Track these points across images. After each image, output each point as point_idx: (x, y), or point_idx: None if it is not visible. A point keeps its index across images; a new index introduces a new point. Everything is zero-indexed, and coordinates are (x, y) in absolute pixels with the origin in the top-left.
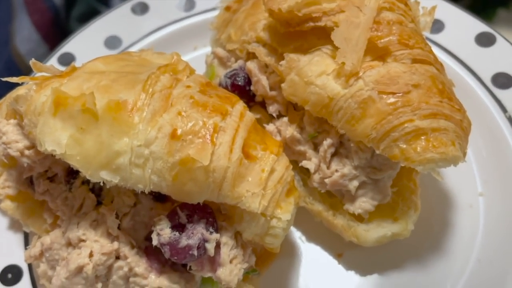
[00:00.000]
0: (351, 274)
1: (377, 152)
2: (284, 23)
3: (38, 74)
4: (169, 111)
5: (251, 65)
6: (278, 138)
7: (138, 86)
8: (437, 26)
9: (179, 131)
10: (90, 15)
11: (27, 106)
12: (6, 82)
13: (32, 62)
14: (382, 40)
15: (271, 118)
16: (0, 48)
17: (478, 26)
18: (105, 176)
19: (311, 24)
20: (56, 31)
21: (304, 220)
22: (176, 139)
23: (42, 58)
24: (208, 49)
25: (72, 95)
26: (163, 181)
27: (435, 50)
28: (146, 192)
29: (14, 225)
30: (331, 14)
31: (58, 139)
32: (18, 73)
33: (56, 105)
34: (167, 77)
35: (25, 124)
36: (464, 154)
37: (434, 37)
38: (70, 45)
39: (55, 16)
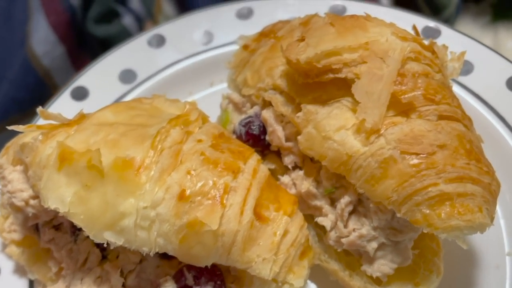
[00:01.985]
0: None
1: (398, 215)
2: (302, 74)
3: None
4: (178, 170)
5: (267, 114)
6: (293, 191)
7: (146, 142)
8: (466, 67)
9: (187, 192)
10: (107, 15)
11: (33, 157)
12: (23, 84)
13: (40, 110)
14: (406, 95)
15: (286, 169)
16: (15, 49)
17: (509, 69)
18: (109, 238)
19: (331, 75)
20: (72, 32)
21: (319, 275)
22: (184, 200)
23: (59, 59)
24: (224, 85)
25: (78, 150)
26: (170, 244)
27: (463, 93)
28: (151, 254)
29: (19, 271)
30: (353, 65)
31: (62, 196)
32: (34, 76)
33: (61, 160)
34: (178, 131)
35: (30, 175)
36: (492, 219)
37: (462, 79)
38: (84, 79)
39: (72, 17)
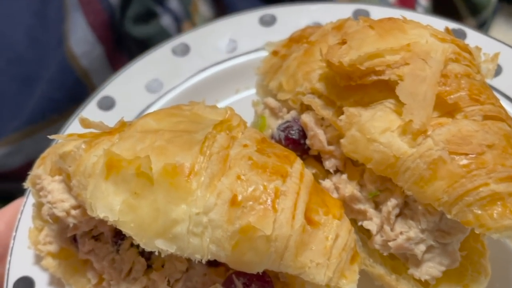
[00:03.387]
0: None
1: (449, 216)
2: (344, 76)
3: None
4: (228, 175)
5: (307, 118)
6: (336, 195)
7: (195, 148)
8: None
9: (239, 197)
10: (145, 15)
11: (76, 166)
12: (61, 84)
13: (80, 118)
14: (452, 96)
15: (327, 173)
16: (52, 48)
17: None
18: (161, 245)
19: (374, 77)
20: (111, 33)
21: (362, 281)
22: (236, 205)
23: (97, 59)
24: (250, 92)
25: (126, 158)
26: (222, 250)
27: None
28: (204, 262)
29: (54, 283)
30: (395, 67)
31: (111, 204)
32: (72, 76)
33: (109, 168)
34: (224, 136)
35: (73, 185)
36: None
37: (491, 81)
38: (109, 89)
39: (111, 16)
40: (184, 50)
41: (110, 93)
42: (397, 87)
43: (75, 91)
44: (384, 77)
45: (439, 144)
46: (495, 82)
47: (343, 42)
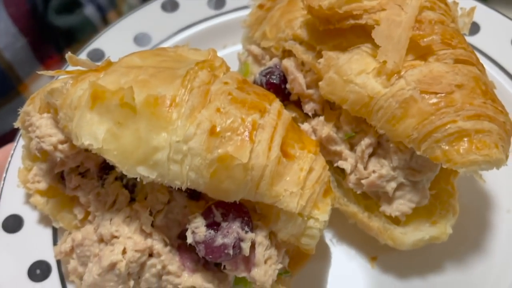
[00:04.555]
0: (385, 278)
1: (418, 153)
2: (323, 21)
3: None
4: (208, 107)
5: (288, 63)
6: (314, 137)
7: (176, 81)
8: (473, 28)
9: (218, 128)
10: (68, 5)
11: (63, 99)
12: None
13: (68, 55)
14: (424, 39)
15: (306, 118)
16: None
17: None
18: (142, 172)
19: (352, 21)
20: (34, 24)
21: (335, 221)
22: (215, 135)
23: (20, 51)
24: (238, 48)
25: (110, 89)
26: (201, 178)
27: None
28: (183, 189)
29: (43, 220)
30: (372, 12)
31: (95, 133)
32: None
33: (94, 99)
34: (205, 73)
35: (60, 118)
36: (507, 157)
37: (469, 39)
38: (99, 42)
39: (33, 8)
40: (173, 6)
41: (99, 46)
42: (373, 30)
43: (0, 84)
44: (361, 21)
45: (411, 84)
46: (473, 40)
47: None
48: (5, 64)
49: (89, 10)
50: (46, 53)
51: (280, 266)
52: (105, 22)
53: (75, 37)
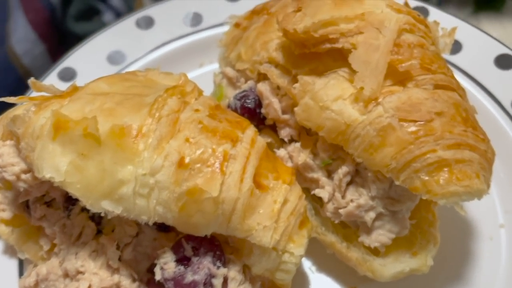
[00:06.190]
0: None
1: (397, 183)
2: (299, 44)
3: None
4: (177, 137)
5: (263, 87)
6: (290, 164)
7: (144, 110)
8: (455, 47)
9: (187, 159)
10: (87, 12)
11: (25, 128)
12: (3, 84)
13: (31, 81)
14: (403, 64)
15: (282, 143)
16: None
17: (497, 47)
18: (107, 206)
19: (328, 45)
20: (53, 30)
21: (314, 249)
22: (183, 167)
23: (39, 58)
24: (214, 66)
25: (73, 118)
26: (169, 212)
27: (453, 72)
28: (150, 224)
29: (8, 251)
30: (349, 36)
31: (57, 165)
32: (14, 75)
33: (56, 129)
34: (175, 100)
35: (22, 147)
36: (488, 186)
37: (451, 58)
38: (71, 60)
39: (52, 14)
40: (148, 23)
41: (71, 65)
42: (350, 55)
43: (17, 90)
44: (338, 45)
45: (389, 111)
46: (456, 59)
47: (299, 10)
48: (24, 69)
49: (108, 18)
50: None
51: None
52: None
53: None
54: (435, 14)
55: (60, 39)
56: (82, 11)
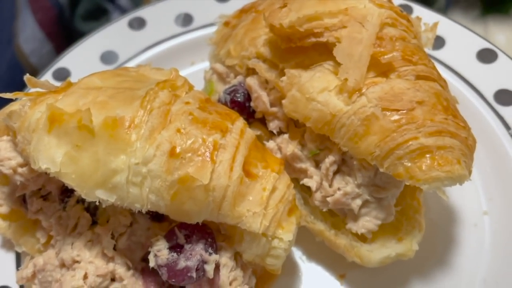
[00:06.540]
0: None
1: (381, 170)
2: (285, 39)
3: (33, 90)
4: (168, 128)
5: (251, 81)
6: (279, 155)
7: (136, 102)
8: (438, 42)
9: (178, 149)
10: (95, 12)
11: (21, 122)
12: (11, 82)
13: (27, 77)
14: (385, 56)
15: (271, 135)
16: (3, 47)
17: (479, 42)
18: (101, 195)
19: (313, 39)
20: (60, 29)
21: (304, 239)
22: (175, 157)
23: (47, 57)
24: (206, 64)
25: (68, 111)
26: (161, 200)
27: (436, 66)
28: (144, 211)
29: (6, 245)
30: (333, 30)
31: (53, 156)
32: (21, 73)
33: (51, 122)
34: (166, 93)
35: (18, 141)
36: (470, 172)
37: (435, 53)
38: (65, 60)
39: (60, 13)
40: (140, 24)
41: (65, 65)
42: (334, 48)
43: (24, 88)
44: (323, 39)
45: (372, 101)
46: (439, 54)
47: (284, 6)
48: (31, 68)
49: (115, 17)
50: None
51: (246, 287)
52: None
53: None
54: (419, 11)
55: (67, 39)
56: (90, 10)
